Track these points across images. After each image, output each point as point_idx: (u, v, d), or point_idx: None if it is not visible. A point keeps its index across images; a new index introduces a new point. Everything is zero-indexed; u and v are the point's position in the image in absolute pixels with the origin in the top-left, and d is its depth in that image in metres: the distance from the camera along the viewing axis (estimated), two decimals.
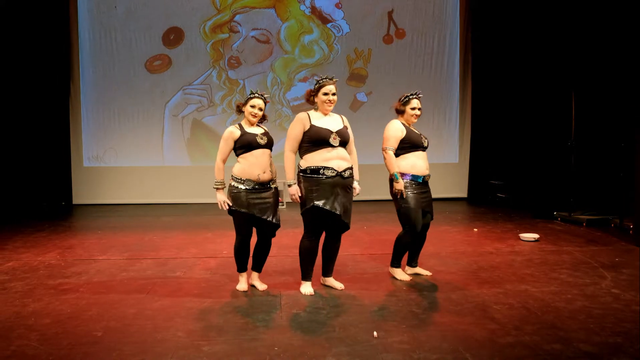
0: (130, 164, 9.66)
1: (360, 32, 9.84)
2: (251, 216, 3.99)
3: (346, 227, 4.06)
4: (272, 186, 4.07)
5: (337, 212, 3.90)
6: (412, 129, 4.39)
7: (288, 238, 5.95)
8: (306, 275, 4.12)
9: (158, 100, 9.66)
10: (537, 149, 8.86)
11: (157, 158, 9.73)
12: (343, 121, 4.10)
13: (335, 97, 4.02)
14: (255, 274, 4.27)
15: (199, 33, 9.67)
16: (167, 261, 5.19)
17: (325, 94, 3.99)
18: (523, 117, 9.19)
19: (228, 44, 9.72)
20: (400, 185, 4.23)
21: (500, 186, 9.55)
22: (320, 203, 3.89)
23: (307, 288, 4.09)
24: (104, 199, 9.52)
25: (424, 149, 4.37)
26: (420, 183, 4.32)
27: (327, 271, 4.26)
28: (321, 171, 3.89)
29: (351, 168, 4.02)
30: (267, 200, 4.02)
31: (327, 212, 3.92)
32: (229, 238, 6.25)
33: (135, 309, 3.75)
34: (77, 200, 9.53)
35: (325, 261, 4.24)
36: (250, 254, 4.23)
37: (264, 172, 3.99)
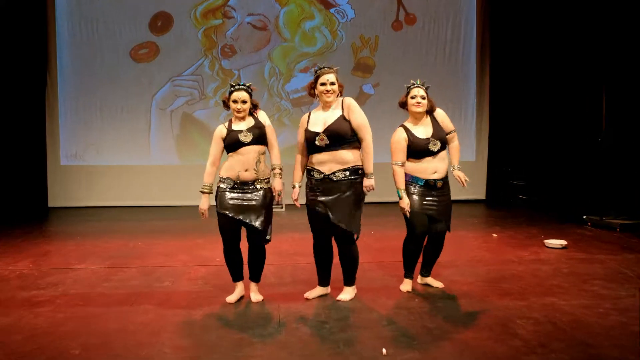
0: (112, 162, 9.64)
1: (366, 18, 9.82)
2: (231, 218, 3.98)
3: (342, 231, 4.02)
4: (259, 186, 4.01)
5: (321, 213, 4.01)
6: (417, 132, 4.30)
7: (288, 244, 5.92)
8: (318, 278, 4.26)
9: (144, 92, 9.65)
10: (564, 146, 8.82)
11: (143, 156, 9.71)
12: (343, 109, 4.01)
13: (334, 87, 4.01)
14: (252, 285, 4.24)
15: (190, 19, 9.66)
16: (153, 270, 5.17)
17: (323, 83, 4.01)
18: (548, 111, 9.16)
19: (221, 30, 9.70)
20: (403, 203, 4.25)
21: (523, 187, 9.52)
22: (309, 203, 4.08)
23: (312, 292, 4.23)
24: (84, 201, 9.51)
25: (432, 153, 4.31)
26: (423, 186, 4.30)
27: (344, 279, 4.26)
28: (312, 173, 4.07)
29: (348, 170, 3.98)
30: (251, 202, 3.98)
31: (317, 213, 4.05)
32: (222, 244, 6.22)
33: (118, 324, 3.72)
34: (53, 202, 9.52)
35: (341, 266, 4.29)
36: (244, 262, 4.21)
37: (246, 171, 3.98)
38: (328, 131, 3.96)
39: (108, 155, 9.66)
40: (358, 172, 4.01)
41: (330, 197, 3.99)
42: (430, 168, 4.30)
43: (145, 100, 9.67)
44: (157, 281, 4.78)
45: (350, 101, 4.05)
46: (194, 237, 6.65)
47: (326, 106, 4.05)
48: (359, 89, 9.83)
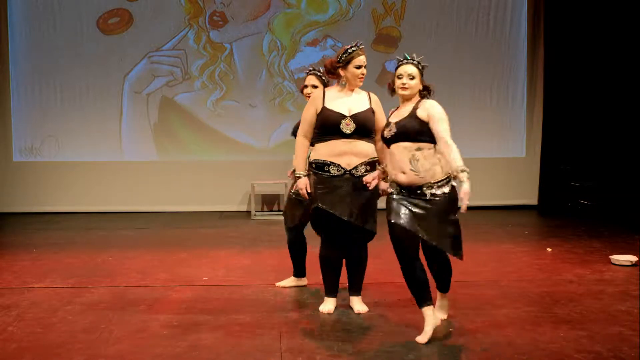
0: (76, 158, 9.70)
1: None
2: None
3: (368, 233, 4.39)
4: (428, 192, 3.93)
5: (345, 218, 4.26)
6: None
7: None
8: (327, 290, 4.56)
9: (114, 71, 9.70)
10: (637, 140, 8.77)
11: (113, 150, 9.78)
12: (370, 101, 4.39)
13: (366, 71, 4.36)
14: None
15: None
16: (126, 290, 5.23)
17: (358, 66, 4.28)
18: (618, 94, 9.08)
19: None
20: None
21: (584, 190, 9.49)
22: (325, 205, 4.30)
23: (325, 305, 4.52)
24: (41, 206, 9.57)
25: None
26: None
27: (350, 287, 4.59)
28: (326, 167, 4.32)
29: (370, 163, 4.32)
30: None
31: (333, 216, 4.28)
32: (210, 260, 6.28)
33: (84, 356, 3.77)
34: (3, 207, 9.59)
35: (348, 274, 4.59)
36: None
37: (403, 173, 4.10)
38: (356, 117, 4.26)
39: (70, 150, 9.72)
40: (375, 166, 4.32)
41: (354, 195, 4.26)
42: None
43: (115, 81, 9.72)
44: (131, 304, 4.82)
45: (377, 98, 4.43)
46: (176, 251, 6.70)
47: (352, 90, 4.36)
48: (382, 66, 9.82)
